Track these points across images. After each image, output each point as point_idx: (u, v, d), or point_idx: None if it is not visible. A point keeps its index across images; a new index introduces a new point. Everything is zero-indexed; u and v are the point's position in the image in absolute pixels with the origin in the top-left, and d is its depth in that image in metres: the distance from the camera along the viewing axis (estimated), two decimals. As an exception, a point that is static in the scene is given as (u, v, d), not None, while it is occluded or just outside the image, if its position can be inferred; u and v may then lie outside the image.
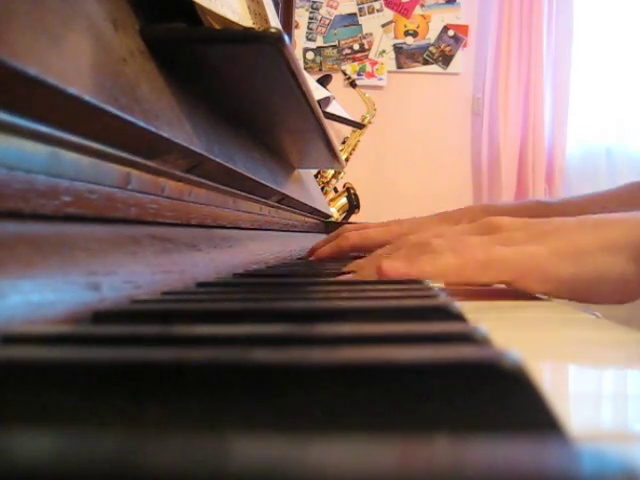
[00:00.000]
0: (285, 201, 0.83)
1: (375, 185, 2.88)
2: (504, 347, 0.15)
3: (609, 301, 0.44)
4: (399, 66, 3.00)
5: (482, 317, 0.35)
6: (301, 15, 2.95)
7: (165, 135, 0.35)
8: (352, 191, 2.09)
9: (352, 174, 2.20)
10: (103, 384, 0.14)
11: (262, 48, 0.43)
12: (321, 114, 0.68)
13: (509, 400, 0.13)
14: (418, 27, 3.00)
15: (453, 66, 3.00)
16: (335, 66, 2.96)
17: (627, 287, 0.43)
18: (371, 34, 3.01)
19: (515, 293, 0.45)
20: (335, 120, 1.96)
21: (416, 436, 0.10)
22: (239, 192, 0.60)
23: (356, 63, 3.00)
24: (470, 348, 0.16)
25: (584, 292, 0.43)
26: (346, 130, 2.28)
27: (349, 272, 0.50)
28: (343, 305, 0.27)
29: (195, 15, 0.44)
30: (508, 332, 0.29)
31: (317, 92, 1.74)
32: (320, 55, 3.00)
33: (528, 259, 0.42)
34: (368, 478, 0.08)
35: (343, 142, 2.24)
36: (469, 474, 0.08)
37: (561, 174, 2.91)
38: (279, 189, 0.73)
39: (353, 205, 2.08)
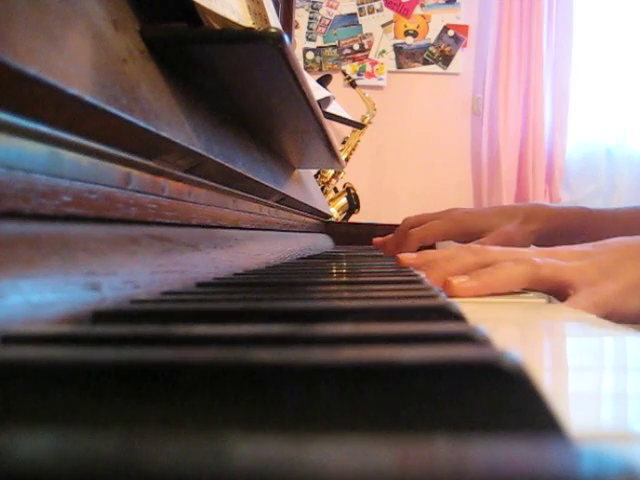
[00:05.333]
0: (285, 201, 0.83)
1: (375, 185, 2.88)
2: (504, 347, 0.15)
3: None
4: (399, 66, 3.00)
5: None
6: (301, 15, 2.95)
7: (165, 135, 0.35)
8: (352, 191, 2.09)
9: (352, 174, 2.20)
10: (103, 384, 0.14)
11: (262, 48, 0.43)
12: (321, 114, 0.68)
13: (509, 400, 0.13)
14: (418, 27, 3.00)
15: (453, 66, 3.00)
16: (335, 66, 2.96)
17: None
18: (371, 34, 3.01)
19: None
20: (335, 120, 1.96)
21: (416, 436, 0.10)
22: (239, 192, 0.60)
23: (356, 63, 3.00)
24: (470, 348, 0.16)
25: None
26: (346, 130, 2.28)
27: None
28: (343, 305, 0.27)
29: (195, 15, 0.44)
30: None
31: (317, 92, 1.74)
32: (320, 55, 3.00)
33: (612, 297, 0.46)
34: (368, 478, 0.08)
35: (343, 142, 2.24)
36: (469, 474, 0.08)
37: (561, 174, 2.91)
38: (279, 189, 0.73)
39: (353, 205, 2.08)
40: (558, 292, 0.47)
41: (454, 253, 0.52)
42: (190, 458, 0.09)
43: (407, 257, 0.57)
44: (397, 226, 0.89)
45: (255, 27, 0.50)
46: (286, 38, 0.42)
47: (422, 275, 0.46)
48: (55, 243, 0.25)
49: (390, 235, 0.88)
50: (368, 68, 3.00)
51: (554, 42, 2.90)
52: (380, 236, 0.90)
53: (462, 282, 0.46)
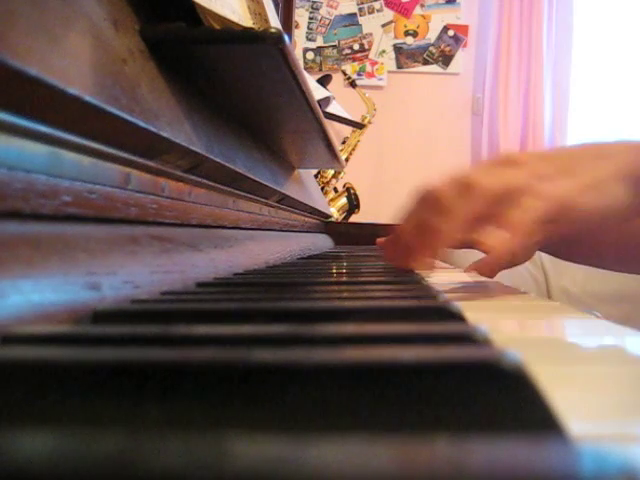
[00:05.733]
0: (285, 201, 0.83)
1: (375, 185, 2.88)
2: (504, 347, 0.15)
3: (614, 224, 0.50)
4: (399, 66, 3.00)
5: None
6: (301, 15, 2.95)
7: (165, 135, 0.35)
8: (352, 191, 2.09)
9: (352, 174, 2.20)
10: (103, 384, 0.14)
11: (262, 48, 0.43)
12: (321, 114, 0.68)
13: (509, 400, 0.13)
14: (418, 27, 3.00)
15: (453, 66, 3.00)
16: (335, 66, 2.96)
17: (626, 213, 0.48)
18: (371, 34, 3.01)
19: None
20: (335, 120, 1.96)
21: (416, 436, 0.10)
22: (239, 192, 0.60)
23: (356, 63, 3.00)
24: (470, 348, 0.16)
25: (603, 219, 0.47)
26: (346, 130, 2.28)
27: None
28: (343, 305, 0.27)
29: (195, 15, 0.44)
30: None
31: (317, 92, 1.74)
32: (320, 55, 3.00)
33: (566, 193, 0.45)
34: (369, 478, 0.08)
35: (343, 142, 2.24)
36: (469, 474, 0.08)
37: (561, 174, 2.91)
38: (279, 189, 0.73)
39: (353, 205, 2.08)
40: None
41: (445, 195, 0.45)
42: (190, 458, 0.09)
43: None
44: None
45: (255, 27, 0.50)
46: (286, 38, 0.42)
47: (422, 275, 0.46)
48: (55, 243, 0.25)
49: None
50: (368, 68, 3.00)
51: (554, 42, 2.90)
52: (379, 237, 0.89)
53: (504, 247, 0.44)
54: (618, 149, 0.48)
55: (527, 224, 0.43)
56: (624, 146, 0.49)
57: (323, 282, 0.43)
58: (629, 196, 0.47)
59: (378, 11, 3.00)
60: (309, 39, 3.00)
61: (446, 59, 3.00)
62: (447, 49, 3.00)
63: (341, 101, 2.14)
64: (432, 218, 0.44)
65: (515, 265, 0.47)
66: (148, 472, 0.08)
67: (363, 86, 2.63)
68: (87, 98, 0.26)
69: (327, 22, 3.00)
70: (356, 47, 3.01)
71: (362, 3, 2.99)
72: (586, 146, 0.50)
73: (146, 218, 0.36)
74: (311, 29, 3.00)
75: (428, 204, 0.46)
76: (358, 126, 2.19)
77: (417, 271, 0.48)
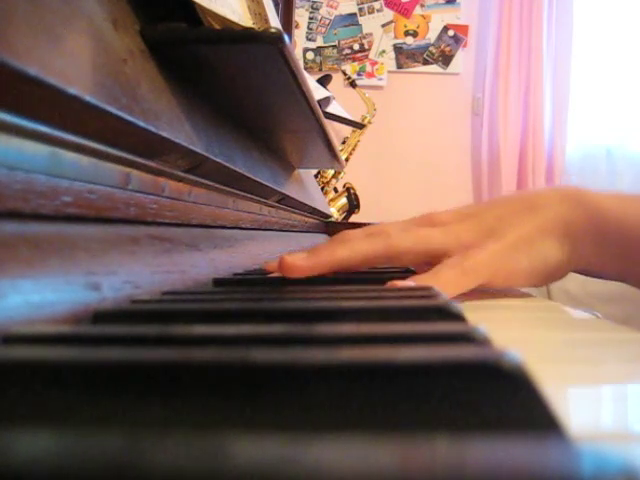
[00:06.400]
0: (285, 201, 0.83)
1: (375, 185, 2.88)
2: (504, 347, 0.15)
3: (544, 284, 0.47)
4: (399, 66, 3.00)
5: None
6: (301, 15, 2.95)
7: (165, 135, 0.35)
8: (352, 191, 2.09)
9: (352, 174, 2.20)
10: (103, 384, 0.14)
11: (262, 48, 0.43)
12: (321, 114, 0.68)
13: (509, 400, 0.13)
14: (418, 27, 3.00)
15: (453, 66, 3.00)
16: (335, 66, 2.96)
17: (559, 270, 0.45)
18: (371, 34, 3.01)
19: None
20: (335, 120, 1.96)
21: (416, 436, 0.10)
22: (239, 192, 0.60)
23: (356, 63, 3.00)
24: (470, 348, 0.16)
25: (535, 280, 0.45)
26: (346, 130, 2.28)
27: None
28: (343, 305, 0.27)
29: (195, 15, 0.44)
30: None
31: (317, 92, 1.74)
32: (320, 55, 3.00)
33: (493, 259, 0.42)
34: (368, 478, 0.08)
35: (343, 142, 2.24)
36: (469, 474, 0.08)
37: (561, 174, 2.91)
38: (279, 189, 0.73)
39: (353, 205, 2.08)
40: (435, 264, 0.43)
41: (318, 246, 0.46)
42: (190, 458, 0.09)
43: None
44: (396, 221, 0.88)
45: (255, 27, 0.50)
46: (286, 38, 0.42)
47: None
48: (55, 243, 0.25)
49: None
50: (368, 68, 3.00)
51: (554, 42, 2.90)
52: None
53: (296, 259, 0.40)
54: (546, 200, 0.45)
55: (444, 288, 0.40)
56: (552, 196, 0.45)
57: (323, 282, 0.43)
58: (561, 251, 0.44)
59: (378, 11, 3.00)
60: (309, 39, 3.00)
61: (446, 59, 3.00)
62: (447, 49, 3.00)
63: (341, 101, 2.14)
64: (332, 244, 0.43)
65: None
66: (148, 472, 0.08)
67: (363, 86, 2.63)
68: (87, 98, 0.26)
69: (327, 22, 3.00)
70: (356, 47, 3.01)
71: (362, 3, 2.99)
72: (512, 198, 0.47)
73: (146, 218, 0.36)
74: (311, 29, 3.00)
75: (336, 238, 0.45)
76: (358, 126, 2.19)
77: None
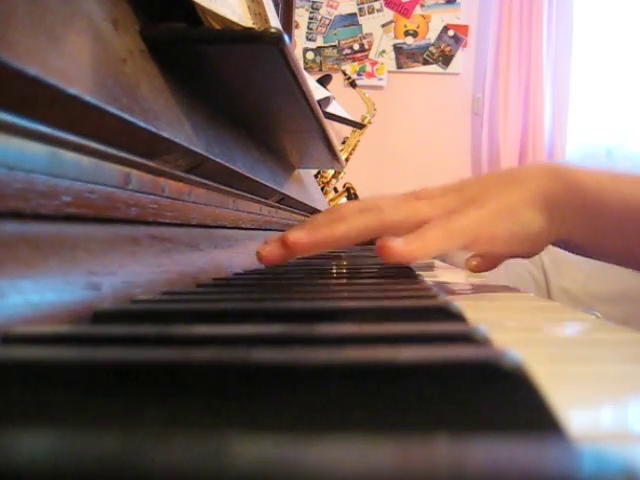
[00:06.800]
0: (285, 201, 0.83)
1: (375, 185, 2.88)
2: (504, 347, 0.15)
3: (528, 253, 0.49)
4: (399, 66, 3.00)
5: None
6: (301, 15, 2.95)
7: (165, 135, 0.35)
8: (352, 191, 2.09)
9: (352, 174, 2.20)
10: (103, 384, 0.14)
11: (262, 48, 0.43)
12: (321, 114, 0.68)
13: (509, 400, 0.13)
14: (418, 27, 3.00)
15: (453, 66, 3.00)
16: (335, 66, 2.96)
17: (540, 238, 0.48)
18: (371, 34, 3.01)
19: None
20: (335, 120, 1.96)
21: (416, 436, 0.10)
22: (239, 192, 0.60)
23: (356, 63, 3.00)
24: (470, 348, 0.16)
25: (516, 246, 0.48)
26: (346, 130, 2.28)
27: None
28: (343, 305, 0.27)
29: (195, 15, 0.44)
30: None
31: (317, 92, 1.74)
32: (320, 55, 3.00)
33: (475, 224, 0.45)
34: (368, 478, 0.08)
35: (343, 142, 2.25)
36: (469, 474, 0.08)
37: (561, 174, 2.91)
38: (279, 189, 0.73)
39: (353, 205, 2.08)
40: None
41: (310, 220, 0.49)
42: (190, 458, 0.09)
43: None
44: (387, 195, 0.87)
45: (255, 27, 0.50)
46: (286, 38, 0.42)
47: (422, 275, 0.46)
48: (55, 243, 0.25)
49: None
50: (368, 68, 3.00)
51: (554, 42, 2.90)
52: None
53: (298, 237, 0.42)
54: (528, 174, 0.48)
55: (427, 251, 0.43)
56: (534, 170, 0.48)
57: (323, 282, 0.43)
58: (541, 220, 0.46)
59: (378, 11, 3.00)
60: (309, 39, 3.00)
61: (446, 59, 3.00)
62: (447, 49, 3.00)
63: (341, 101, 2.14)
64: (328, 223, 0.45)
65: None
66: (148, 472, 0.08)
67: (363, 86, 2.63)
68: (87, 98, 0.26)
69: (327, 22, 3.00)
70: (356, 47, 3.01)
71: (362, 3, 2.99)
72: (495, 174, 0.50)
73: (146, 218, 0.36)
74: (311, 29, 3.00)
75: (330, 215, 0.47)
76: (358, 126, 2.19)
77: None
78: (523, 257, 0.50)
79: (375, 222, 0.45)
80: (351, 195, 2.08)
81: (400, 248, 0.42)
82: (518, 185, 0.47)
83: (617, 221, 0.46)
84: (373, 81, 2.99)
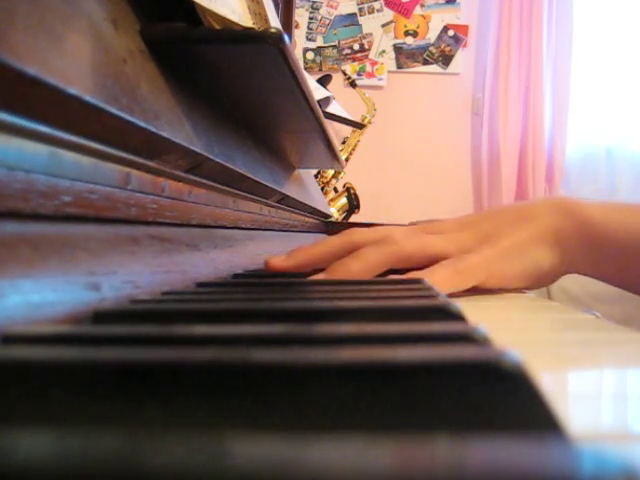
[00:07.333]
0: (285, 201, 0.83)
1: (375, 185, 2.88)
2: (504, 347, 0.15)
3: (538, 287, 0.51)
4: (399, 66, 3.00)
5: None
6: (301, 15, 2.95)
7: (165, 135, 0.35)
8: (352, 191, 2.09)
9: (352, 174, 2.20)
10: (103, 384, 0.14)
11: (262, 48, 0.43)
12: (321, 114, 0.68)
13: (509, 400, 0.13)
14: (418, 27, 3.00)
15: (453, 66, 3.00)
16: (335, 66, 2.96)
17: (552, 273, 0.49)
18: (371, 34, 3.01)
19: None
20: (335, 120, 1.96)
21: (416, 436, 0.10)
22: (239, 192, 0.60)
23: (356, 63, 3.00)
24: (470, 348, 0.16)
25: (527, 282, 0.49)
26: (346, 130, 2.28)
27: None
28: (343, 305, 0.27)
29: (195, 15, 0.44)
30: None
31: (317, 92, 1.74)
32: (320, 55, 3.00)
33: (487, 263, 0.46)
34: (368, 478, 0.08)
35: (343, 142, 2.24)
36: (469, 474, 0.08)
37: (561, 174, 2.91)
38: (279, 189, 0.73)
39: (353, 205, 2.08)
40: None
41: (322, 240, 0.50)
42: (190, 458, 0.09)
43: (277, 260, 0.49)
44: (398, 226, 0.88)
45: (255, 27, 0.50)
46: (286, 38, 0.42)
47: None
48: (55, 243, 0.25)
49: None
50: (368, 68, 3.00)
51: (554, 42, 2.90)
52: None
53: (314, 276, 0.44)
54: (539, 210, 0.49)
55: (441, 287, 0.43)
56: (545, 207, 0.49)
57: (323, 282, 0.43)
58: (552, 257, 0.48)
59: (378, 11, 3.00)
60: (309, 39, 3.00)
61: (446, 59, 3.00)
62: (447, 49, 3.00)
63: (341, 101, 2.14)
64: (346, 260, 0.46)
65: None
66: (148, 472, 0.08)
67: (363, 86, 2.63)
68: (87, 98, 0.26)
69: (327, 22, 3.00)
70: (356, 47, 3.01)
71: (362, 3, 2.99)
72: (505, 210, 0.51)
73: (146, 218, 0.36)
74: (311, 29, 3.00)
75: (347, 246, 0.48)
76: (358, 126, 2.19)
77: None
78: (533, 289, 0.52)
79: (391, 256, 0.46)
80: (351, 195, 2.08)
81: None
82: (529, 223, 0.48)
83: (620, 251, 0.47)
84: (373, 81, 2.99)
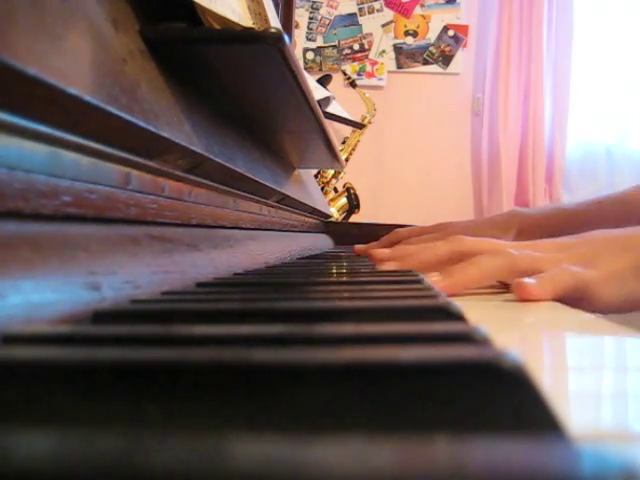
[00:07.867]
0: (285, 201, 0.83)
1: (375, 185, 2.88)
2: (504, 347, 0.15)
3: (626, 312, 0.51)
4: (399, 66, 3.00)
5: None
6: (301, 15, 2.95)
7: (165, 135, 0.35)
8: (352, 191, 2.09)
9: (352, 174, 2.20)
10: (103, 384, 0.14)
11: (262, 48, 0.43)
12: (321, 114, 0.68)
13: (509, 400, 0.13)
14: (418, 27, 3.00)
15: (453, 66, 3.00)
16: (335, 66, 2.96)
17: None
18: (371, 34, 3.01)
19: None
20: (335, 120, 1.96)
21: (416, 436, 0.10)
22: (239, 192, 0.60)
23: (356, 63, 3.00)
24: (470, 348, 0.16)
25: (618, 310, 0.50)
26: (346, 130, 2.28)
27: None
28: (343, 305, 0.27)
29: (195, 15, 0.44)
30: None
31: (317, 92, 1.74)
32: (320, 55, 3.00)
33: (584, 285, 0.47)
34: (368, 478, 0.08)
35: (343, 142, 2.24)
36: (469, 474, 0.08)
37: (561, 174, 2.91)
38: (279, 189, 0.73)
39: (353, 205, 2.08)
40: None
41: (429, 244, 0.52)
42: (190, 458, 0.09)
43: (381, 252, 0.57)
44: (398, 227, 0.88)
45: (255, 27, 0.50)
46: (286, 38, 0.42)
47: (421, 275, 0.46)
48: (55, 243, 0.25)
49: (373, 243, 0.85)
50: (368, 68, 3.00)
51: (554, 42, 2.90)
52: (379, 237, 0.89)
53: (433, 280, 0.46)
54: (636, 241, 0.50)
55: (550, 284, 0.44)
56: None
57: (323, 282, 0.43)
58: None
59: (378, 11, 3.00)
60: (309, 39, 3.00)
61: (446, 59, 3.00)
62: (447, 49, 3.00)
63: (341, 101, 2.14)
64: (464, 265, 0.48)
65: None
66: (148, 472, 0.08)
67: (363, 86, 2.62)
68: (87, 98, 0.26)
69: (327, 22, 3.00)
70: (356, 47, 3.01)
71: (362, 3, 2.99)
72: (606, 238, 0.52)
73: (146, 218, 0.36)
74: (311, 29, 3.00)
75: (454, 256, 0.51)
76: (358, 126, 2.19)
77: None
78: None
79: (506, 267, 0.48)
80: (351, 195, 2.08)
81: (535, 289, 0.44)
82: (628, 252, 0.49)
83: None
84: (373, 81, 2.99)
